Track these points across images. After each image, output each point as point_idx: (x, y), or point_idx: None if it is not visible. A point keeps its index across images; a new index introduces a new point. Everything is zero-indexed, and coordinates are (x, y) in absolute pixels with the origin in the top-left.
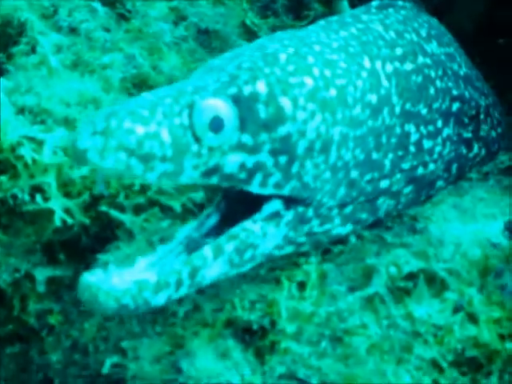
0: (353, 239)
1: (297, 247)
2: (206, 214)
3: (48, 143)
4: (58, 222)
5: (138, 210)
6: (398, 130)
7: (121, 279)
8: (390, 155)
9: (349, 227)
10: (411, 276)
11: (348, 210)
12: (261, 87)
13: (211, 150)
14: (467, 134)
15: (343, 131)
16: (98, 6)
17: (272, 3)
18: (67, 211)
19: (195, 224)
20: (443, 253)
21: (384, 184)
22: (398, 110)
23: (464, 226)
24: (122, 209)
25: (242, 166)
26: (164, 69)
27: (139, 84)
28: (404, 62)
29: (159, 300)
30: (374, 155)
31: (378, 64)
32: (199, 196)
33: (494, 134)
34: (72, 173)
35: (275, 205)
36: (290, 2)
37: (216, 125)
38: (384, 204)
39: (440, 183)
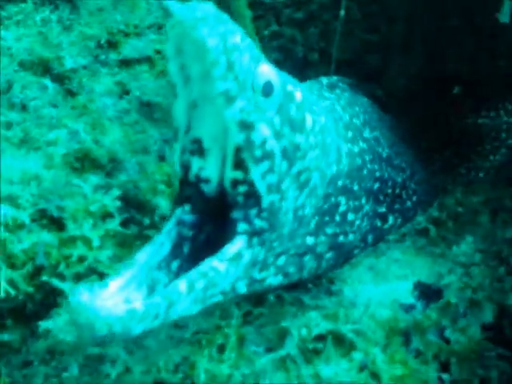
0: (272, 298)
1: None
2: (160, 242)
3: None
4: (2, 294)
5: (77, 278)
6: (332, 199)
7: (113, 305)
8: (317, 217)
9: (279, 278)
10: (321, 337)
11: (282, 260)
12: (297, 94)
13: (257, 107)
14: (382, 209)
15: (317, 180)
16: (48, 82)
17: None
18: (11, 282)
19: (151, 250)
20: (353, 314)
21: (310, 241)
22: (340, 183)
23: (376, 288)
24: (62, 277)
25: (263, 144)
26: (105, 143)
27: (81, 158)
28: (353, 145)
29: (138, 330)
30: (308, 212)
31: (341, 142)
32: None
33: (409, 203)
34: (14, 247)
35: (240, 242)
36: None
37: (267, 89)
38: (309, 262)
39: (357, 251)
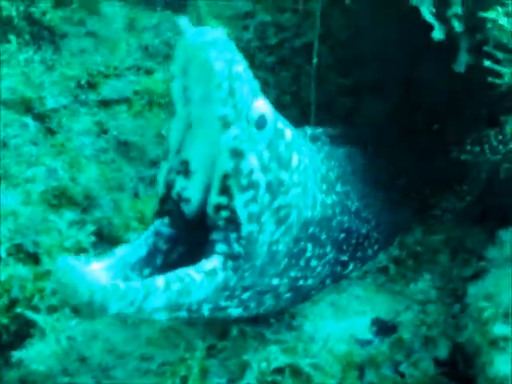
0: (235, 332)
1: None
2: (137, 245)
3: None
4: None
5: (51, 310)
6: (301, 243)
7: (98, 275)
8: (286, 259)
9: (239, 311)
10: (280, 370)
11: (246, 295)
12: (287, 132)
13: (249, 137)
14: (344, 258)
15: (295, 218)
16: (29, 120)
17: None
18: None
19: (128, 249)
20: (312, 348)
21: (275, 281)
22: (310, 230)
23: (336, 323)
24: (37, 310)
25: (250, 173)
26: (82, 180)
27: (59, 195)
28: (326, 196)
29: (114, 309)
30: (281, 248)
31: (317, 191)
32: None
33: (370, 251)
34: None
35: (217, 261)
36: None
37: (261, 122)
38: (268, 300)
39: (314, 292)
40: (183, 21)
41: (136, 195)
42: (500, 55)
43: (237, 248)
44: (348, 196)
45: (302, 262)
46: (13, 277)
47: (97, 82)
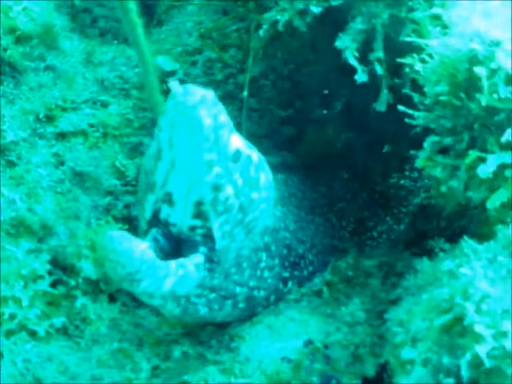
0: (178, 354)
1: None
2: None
3: None
4: None
5: (8, 334)
6: (259, 253)
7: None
8: (249, 270)
9: (205, 310)
10: None
11: (212, 296)
12: (254, 156)
13: (227, 171)
14: (285, 274)
15: (260, 227)
16: None
17: (139, 146)
18: None
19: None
20: (247, 369)
21: (238, 290)
22: (265, 240)
23: (272, 344)
24: None
25: (226, 200)
26: (38, 210)
27: (16, 225)
28: (275, 209)
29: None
30: (244, 261)
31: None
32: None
33: (306, 272)
34: None
35: (201, 258)
36: None
37: (236, 156)
38: (227, 307)
39: (260, 309)
40: (173, 83)
41: (89, 224)
42: (416, 97)
43: (213, 254)
44: (286, 217)
45: (258, 272)
46: None
47: (54, 116)
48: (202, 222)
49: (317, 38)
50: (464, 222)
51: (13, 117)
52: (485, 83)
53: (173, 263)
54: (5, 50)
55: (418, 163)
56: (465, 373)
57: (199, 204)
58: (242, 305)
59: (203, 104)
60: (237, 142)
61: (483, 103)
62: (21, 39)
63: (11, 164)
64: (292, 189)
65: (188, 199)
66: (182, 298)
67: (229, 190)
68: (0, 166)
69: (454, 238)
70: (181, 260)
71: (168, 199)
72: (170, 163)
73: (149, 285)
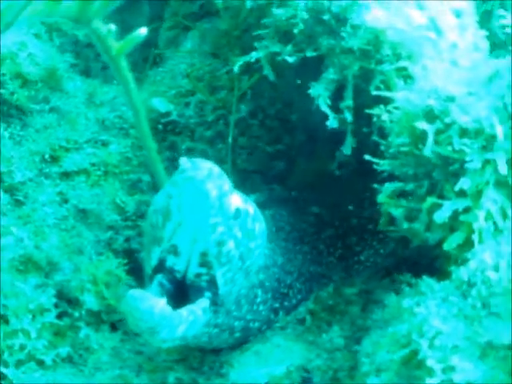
0: (172, 380)
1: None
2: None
3: None
4: None
5: (18, 364)
6: (255, 289)
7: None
8: (246, 305)
9: (204, 339)
10: None
11: (215, 331)
12: (250, 209)
13: (229, 228)
14: (276, 305)
15: (256, 268)
16: (0, 193)
17: (138, 182)
18: None
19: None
20: None
21: (236, 323)
22: (260, 277)
23: (258, 370)
24: (6, 364)
25: (228, 253)
26: (44, 247)
27: (25, 262)
28: (264, 248)
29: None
30: (243, 299)
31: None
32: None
33: (294, 301)
34: None
35: (207, 303)
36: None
37: (237, 214)
38: (224, 337)
39: (251, 338)
40: (183, 159)
41: (91, 259)
42: (382, 146)
43: (217, 298)
44: (274, 252)
45: (255, 307)
46: None
47: (59, 156)
48: (206, 270)
49: (300, 78)
50: (437, 252)
51: (20, 158)
52: (430, 137)
53: (184, 311)
54: (12, 93)
55: (380, 199)
56: None
57: (204, 255)
58: (237, 335)
59: (210, 177)
60: (236, 201)
61: (427, 153)
62: (26, 83)
63: (19, 203)
64: (279, 223)
65: (193, 250)
66: (188, 339)
67: (230, 244)
68: (9, 205)
69: (431, 266)
70: (189, 307)
71: (174, 250)
72: (177, 223)
73: (166, 334)
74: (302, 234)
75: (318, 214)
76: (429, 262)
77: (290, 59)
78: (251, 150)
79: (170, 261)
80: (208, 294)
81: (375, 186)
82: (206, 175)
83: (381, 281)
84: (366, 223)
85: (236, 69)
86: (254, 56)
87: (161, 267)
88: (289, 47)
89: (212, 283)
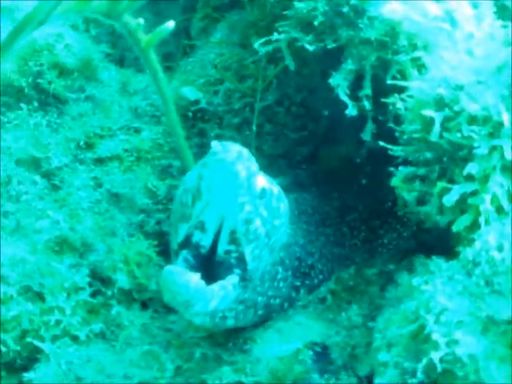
0: (198, 355)
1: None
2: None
3: None
4: None
5: (54, 339)
6: (276, 267)
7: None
8: (269, 281)
9: (232, 321)
10: None
11: (240, 307)
12: (275, 189)
13: (255, 207)
14: (297, 283)
15: (280, 245)
16: (38, 178)
17: (168, 168)
18: (4, 342)
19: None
20: (257, 368)
21: (260, 299)
22: (281, 255)
23: (280, 347)
24: (42, 339)
25: (255, 230)
26: (79, 229)
27: (60, 243)
28: (286, 227)
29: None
30: (266, 275)
31: None
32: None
33: (316, 281)
34: (5, 315)
35: (236, 279)
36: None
37: (262, 194)
38: (249, 315)
39: (274, 315)
40: (214, 142)
41: (123, 240)
42: (397, 132)
43: (246, 274)
44: (296, 233)
45: (275, 283)
46: (23, 312)
47: (93, 143)
48: (235, 247)
49: (324, 66)
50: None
51: (57, 144)
52: (437, 124)
53: (215, 286)
54: (49, 83)
55: (393, 182)
56: (420, 375)
57: (233, 233)
58: (260, 312)
59: (239, 159)
60: (262, 181)
61: (434, 139)
62: (63, 73)
63: (55, 188)
64: (302, 206)
65: (223, 229)
66: (218, 313)
67: (257, 222)
68: (46, 189)
69: (448, 247)
70: (221, 282)
71: (201, 226)
72: (206, 202)
73: (199, 307)
74: (325, 216)
75: (341, 198)
76: (446, 244)
77: (310, 47)
78: (276, 136)
79: (197, 236)
80: (237, 270)
81: (391, 170)
82: (235, 157)
83: (400, 262)
84: (390, 207)
85: (257, 46)
86: (275, 37)
87: (187, 243)
88: (309, 36)
89: (241, 260)
